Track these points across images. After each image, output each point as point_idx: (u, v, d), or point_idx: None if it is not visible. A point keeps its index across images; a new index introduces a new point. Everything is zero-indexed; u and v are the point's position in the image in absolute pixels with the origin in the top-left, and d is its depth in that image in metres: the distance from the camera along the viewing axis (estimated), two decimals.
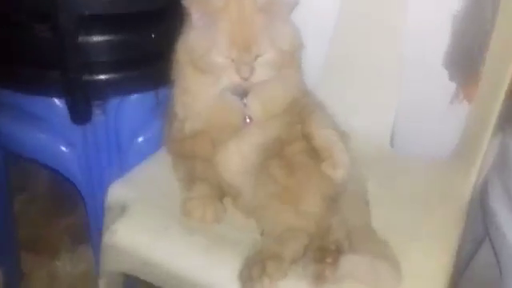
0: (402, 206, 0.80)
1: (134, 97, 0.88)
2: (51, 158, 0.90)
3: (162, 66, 0.79)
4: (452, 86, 1.00)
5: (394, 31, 0.95)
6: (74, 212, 1.38)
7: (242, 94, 0.79)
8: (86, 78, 0.78)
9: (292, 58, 0.79)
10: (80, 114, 0.82)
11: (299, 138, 0.78)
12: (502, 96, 0.82)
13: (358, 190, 0.79)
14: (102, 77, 0.80)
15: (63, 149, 0.89)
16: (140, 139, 0.92)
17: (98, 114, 0.86)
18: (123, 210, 0.76)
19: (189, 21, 0.76)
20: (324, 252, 0.66)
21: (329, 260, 0.64)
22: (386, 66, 0.97)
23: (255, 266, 0.64)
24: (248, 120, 0.80)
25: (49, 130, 0.88)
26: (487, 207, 0.82)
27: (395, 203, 0.80)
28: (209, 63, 0.75)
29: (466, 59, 0.99)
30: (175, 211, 0.75)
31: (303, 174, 0.74)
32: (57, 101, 0.84)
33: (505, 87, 0.83)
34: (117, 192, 0.79)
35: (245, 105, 0.79)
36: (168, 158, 0.84)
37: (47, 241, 1.35)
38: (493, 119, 0.82)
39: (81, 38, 0.75)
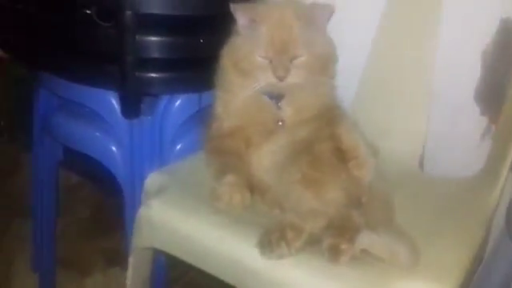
0: (426, 214, 0.81)
1: (179, 102, 0.96)
2: (100, 154, 0.98)
3: (206, 72, 0.87)
4: (484, 121, 1.04)
5: (425, 63, 1.00)
6: (111, 237, 1.46)
7: (278, 97, 0.86)
8: (139, 74, 0.88)
9: (325, 67, 0.86)
10: (130, 108, 0.91)
11: (327, 140, 0.82)
12: None
13: (384, 193, 0.81)
14: (153, 74, 0.89)
15: (112, 146, 0.97)
16: (178, 146, 0.99)
17: (145, 114, 0.94)
18: (159, 192, 0.82)
19: (235, 28, 0.85)
20: (342, 230, 0.68)
21: (346, 235, 0.67)
22: (416, 96, 1.01)
23: (275, 232, 0.67)
24: (280, 123, 0.86)
25: (101, 127, 0.97)
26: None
27: (420, 212, 0.82)
28: (250, 64, 0.83)
29: (497, 94, 1.02)
30: (205, 197, 0.79)
31: (328, 168, 0.78)
32: (111, 99, 0.93)
33: None
34: (155, 179, 0.85)
35: (279, 108, 0.86)
36: (203, 157, 0.91)
37: (82, 260, 1.42)
38: None
39: (138, 36, 0.85)
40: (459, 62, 0.99)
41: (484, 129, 1.04)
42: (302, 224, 0.69)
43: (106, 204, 1.56)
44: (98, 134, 0.98)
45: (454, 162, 1.01)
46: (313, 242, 0.69)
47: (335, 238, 0.67)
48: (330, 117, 0.86)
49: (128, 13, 0.83)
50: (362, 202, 0.77)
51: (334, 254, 0.65)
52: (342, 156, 0.80)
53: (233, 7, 0.83)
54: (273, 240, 0.66)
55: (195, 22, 0.89)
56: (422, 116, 1.01)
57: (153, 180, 0.85)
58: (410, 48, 1.01)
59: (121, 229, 1.05)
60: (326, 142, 0.82)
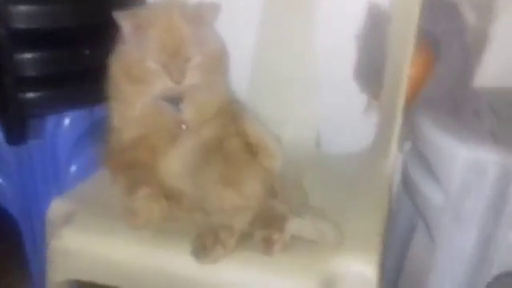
0: (333, 192, 0.85)
1: (69, 119, 0.90)
2: None
3: (94, 84, 0.83)
4: (364, 98, 1.13)
5: (306, 51, 1.05)
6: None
7: (176, 100, 0.84)
8: (21, 95, 0.80)
9: (219, 64, 0.86)
10: (15, 133, 0.82)
11: (234, 136, 0.83)
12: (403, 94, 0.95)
13: (293, 178, 0.85)
14: (37, 94, 0.82)
15: None
16: (74, 168, 0.93)
17: (33, 138, 0.87)
18: (67, 220, 0.76)
19: (121, 35, 0.82)
20: (270, 220, 0.69)
21: (275, 225, 0.68)
22: (304, 83, 1.06)
23: (208, 236, 0.66)
24: (184, 126, 0.85)
25: None
26: (407, 177, 0.91)
27: (326, 191, 0.85)
28: (142, 71, 0.80)
29: (372, 73, 1.12)
30: (118, 215, 0.75)
31: (242, 163, 0.80)
32: None
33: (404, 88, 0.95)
34: (58, 206, 0.79)
35: (180, 111, 0.84)
36: (107, 175, 0.86)
37: None
38: (400, 108, 0.94)
39: (15, 55, 0.78)
40: (337, 46, 1.05)
41: (365, 105, 1.14)
42: (231, 223, 0.69)
43: None
44: None
45: (344, 138, 1.07)
46: (243, 238, 0.69)
47: (266, 230, 0.68)
48: (230, 113, 0.87)
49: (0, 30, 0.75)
50: (275, 191, 0.80)
51: (268, 245, 0.66)
52: (250, 150, 0.82)
53: (116, 15, 0.79)
54: (207, 244, 0.65)
55: (77, 34, 0.84)
56: (312, 100, 1.05)
57: (56, 208, 0.79)
58: (291, 38, 1.04)
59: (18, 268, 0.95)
60: (234, 138, 0.83)
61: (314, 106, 1.06)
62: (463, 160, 0.74)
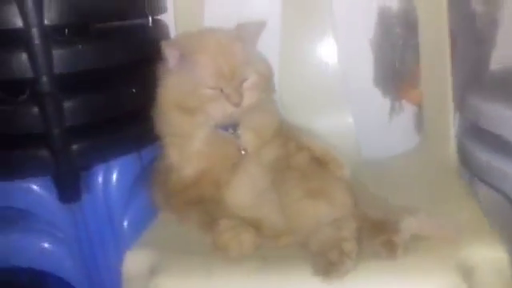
0: (404, 191, 0.82)
1: (119, 166, 0.83)
2: (40, 261, 0.79)
3: (142, 125, 0.78)
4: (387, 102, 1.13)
5: (328, 62, 1.03)
6: None
7: (233, 126, 0.80)
8: (72, 146, 0.73)
9: (269, 82, 0.83)
10: (69, 189, 0.75)
11: (298, 152, 0.80)
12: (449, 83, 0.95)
13: (361, 184, 0.81)
14: (86, 143, 0.75)
15: (46, 244, 0.79)
16: (128, 218, 0.85)
17: (83, 192, 0.79)
18: (154, 270, 0.69)
19: (164, 67, 0.77)
20: (381, 225, 0.66)
21: (390, 228, 0.64)
22: (331, 93, 1.03)
23: (330, 251, 0.61)
24: (243, 152, 0.80)
25: (32, 226, 0.78)
26: (467, 155, 0.92)
27: (397, 191, 0.81)
28: (198, 99, 0.76)
29: (391, 75, 1.12)
30: (206, 253, 0.69)
31: (320, 176, 0.76)
32: (35, 187, 0.76)
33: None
34: (135, 258, 0.72)
35: (238, 137, 0.80)
36: (169, 217, 0.80)
37: None
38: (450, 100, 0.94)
39: (62, 103, 0.71)
40: (355, 53, 1.06)
41: (389, 108, 1.13)
42: (345, 234, 0.64)
43: None
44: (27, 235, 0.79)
45: (374, 143, 1.05)
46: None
47: (383, 235, 0.64)
48: (284, 132, 0.84)
49: (44, 78, 0.69)
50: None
51: (390, 248, 0.62)
52: (318, 163, 0.79)
53: (163, 44, 0.75)
54: (333, 259, 0.60)
55: (121, 73, 0.78)
56: (343, 108, 1.03)
57: (133, 260, 0.71)
58: (312, 51, 1.03)
59: None
60: (298, 154, 0.80)
61: (346, 113, 1.03)
62: None
